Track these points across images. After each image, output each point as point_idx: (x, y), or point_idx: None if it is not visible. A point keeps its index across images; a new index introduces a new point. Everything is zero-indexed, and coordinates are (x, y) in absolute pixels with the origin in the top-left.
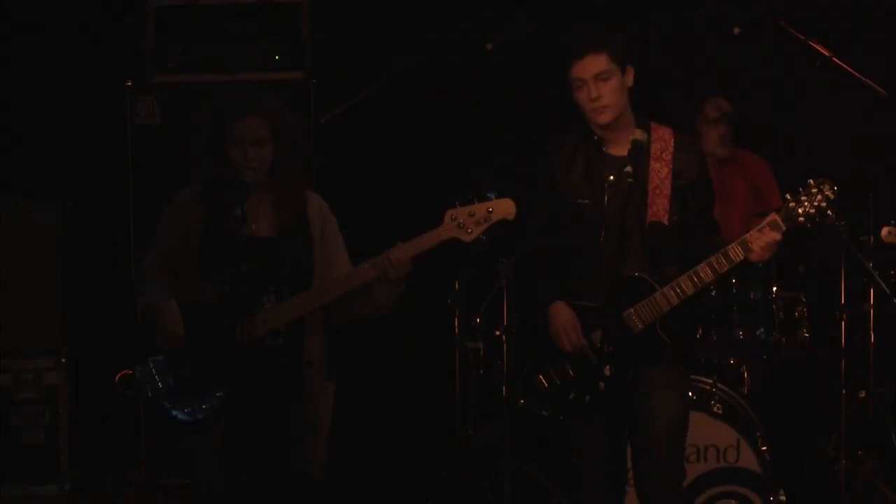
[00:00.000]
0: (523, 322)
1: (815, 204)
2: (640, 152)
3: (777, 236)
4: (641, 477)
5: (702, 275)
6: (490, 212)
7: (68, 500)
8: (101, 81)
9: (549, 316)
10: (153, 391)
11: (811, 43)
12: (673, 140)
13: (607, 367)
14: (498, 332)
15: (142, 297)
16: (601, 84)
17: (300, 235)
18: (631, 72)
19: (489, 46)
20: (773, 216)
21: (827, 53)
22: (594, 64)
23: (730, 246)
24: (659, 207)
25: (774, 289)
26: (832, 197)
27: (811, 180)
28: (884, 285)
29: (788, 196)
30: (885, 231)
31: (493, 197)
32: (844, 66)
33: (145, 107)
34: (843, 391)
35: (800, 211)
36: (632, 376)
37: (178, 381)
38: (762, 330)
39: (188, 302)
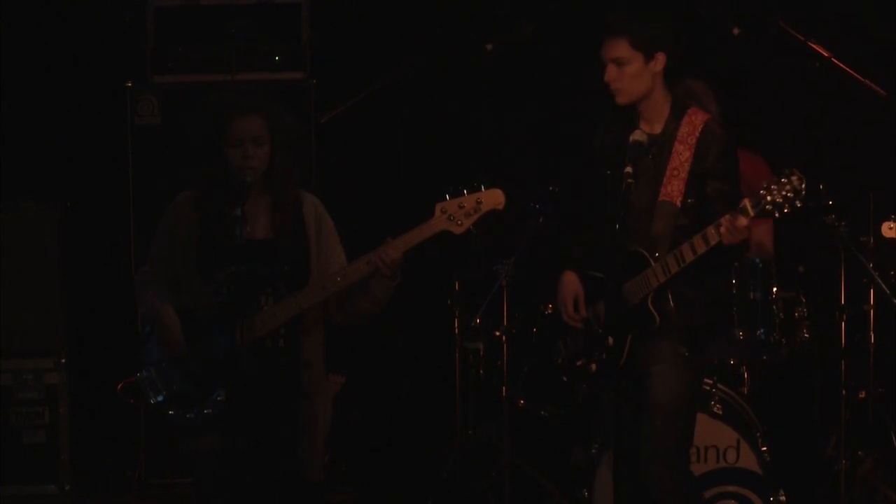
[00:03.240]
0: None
1: (784, 194)
2: (638, 153)
3: (744, 221)
4: (636, 449)
5: (684, 254)
6: (479, 202)
7: (68, 500)
8: (101, 81)
9: (559, 286)
10: (156, 398)
11: (811, 43)
12: (702, 125)
13: (609, 337)
14: (498, 333)
15: (141, 303)
16: (616, 69)
17: (296, 236)
18: (661, 58)
19: (489, 46)
20: (744, 201)
21: (826, 54)
22: (613, 49)
23: (707, 228)
24: (673, 188)
25: (774, 289)
26: (800, 188)
27: (785, 169)
28: (884, 285)
29: (763, 184)
30: (885, 226)
31: (482, 188)
32: (844, 66)
33: (145, 107)
34: (843, 391)
35: (768, 198)
36: (630, 349)
37: (180, 385)
38: (762, 330)
39: (187, 305)
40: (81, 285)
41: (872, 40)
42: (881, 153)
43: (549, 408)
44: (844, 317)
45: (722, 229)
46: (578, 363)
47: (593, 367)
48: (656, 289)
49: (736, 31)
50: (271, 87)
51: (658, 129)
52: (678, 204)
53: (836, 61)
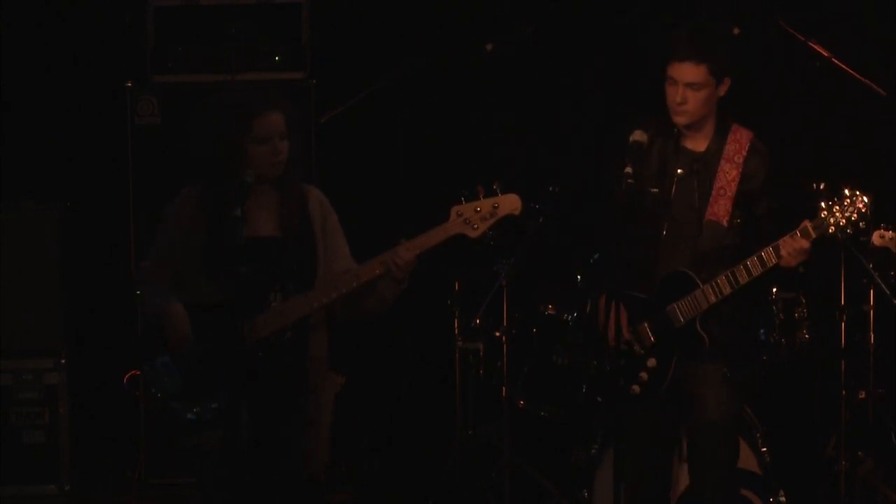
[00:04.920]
0: (587, 308)
1: (847, 215)
2: (638, 154)
3: (805, 244)
4: (692, 468)
5: (738, 276)
6: (496, 207)
7: (68, 500)
8: (101, 81)
9: (597, 307)
10: (161, 392)
11: (811, 43)
12: (748, 144)
13: (652, 358)
14: (498, 333)
15: (145, 299)
16: (690, 92)
17: (303, 233)
18: (727, 82)
19: (489, 46)
20: (805, 223)
21: (826, 54)
22: (691, 73)
23: (764, 250)
24: (720, 208)
25: (774, 289)
26: (864, 210)
27: (846, 190)
28: (883, 286)
29: (822, 205)
30: (876, 235)
31: (498, 192)
32: (844, 66)
33: (145, 107)
34: (843, 392)
35: (831, 220)
36: (674, 370)
37: (186, 381)
38: (762, 330)
39: (192, 302)
40: (81, 285)
41: (872, 40)
42: (881, 153)
43: (549, 408)
44: (844, 317)
45: (783, 252)
46: (619, 384)
47: (636, 388)
48: (706, 310)
49: (736, 31)
50: (271, 87)
51: (702, 146)
52: (725, 224)
53: (836, 61)
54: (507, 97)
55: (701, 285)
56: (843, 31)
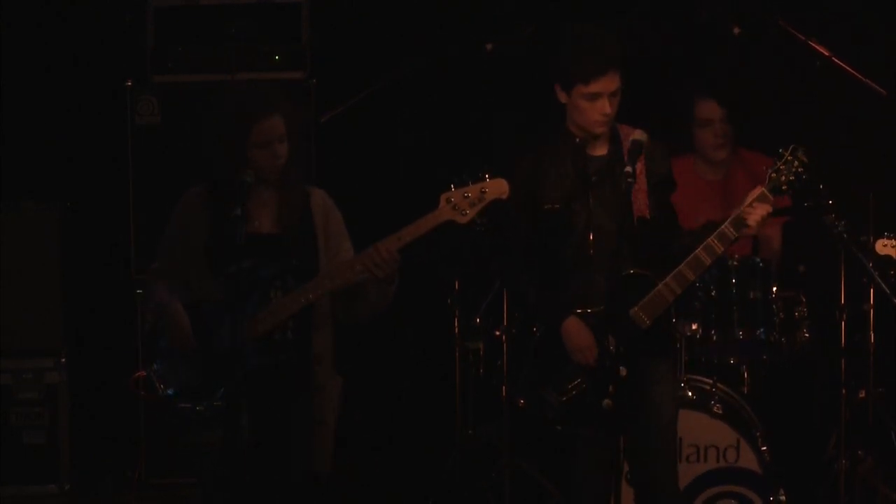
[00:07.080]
0: (525, 334)
1: (794, 170)
2: (638, 154)
3: (769, 208)
4: (643, 471)
5: (701, 259)
6: (484, 192)
7: (68, 500)
8: (101, 81)
9: (563, 334)
10: (167, 391)
11: (811, 43)
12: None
13: (621, 368)
14: (498, 332)
15: (150, 299)
16: (613, 100)
17: (304, 230)
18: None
19: (489, 46)
20: (759, 189)
21: (827, 53)
22: (613, 82)
23: (722, 227)
24: (641, 203)
25: (774, 289)
26: (806, 161)
27: (782, 150)
28: (884, 285)
29: (766, 168)
30: (879, 244)
31: (486, 177)
32: (844, 66)
33: (145, 107)
34: (843, 391)
35: (782, 179)
36: (641, 372)
37: (190, 379)
38: (762, 330)
39: (197, 300)
40: (81, 285)
41: (872, 40)
42: (881, 153)
43: (571, 420)
44: (844, 316)
45: (750, 222)
46: (588, 404)
47: (605, 402)
48: (672, 303)
49: (736, 31)
50: (272, 86)
51: (604, 150)
52: (648, 216)
53: (836, 61)
54: (508, 97)
55: (664, 280)
56: (843, 31)
